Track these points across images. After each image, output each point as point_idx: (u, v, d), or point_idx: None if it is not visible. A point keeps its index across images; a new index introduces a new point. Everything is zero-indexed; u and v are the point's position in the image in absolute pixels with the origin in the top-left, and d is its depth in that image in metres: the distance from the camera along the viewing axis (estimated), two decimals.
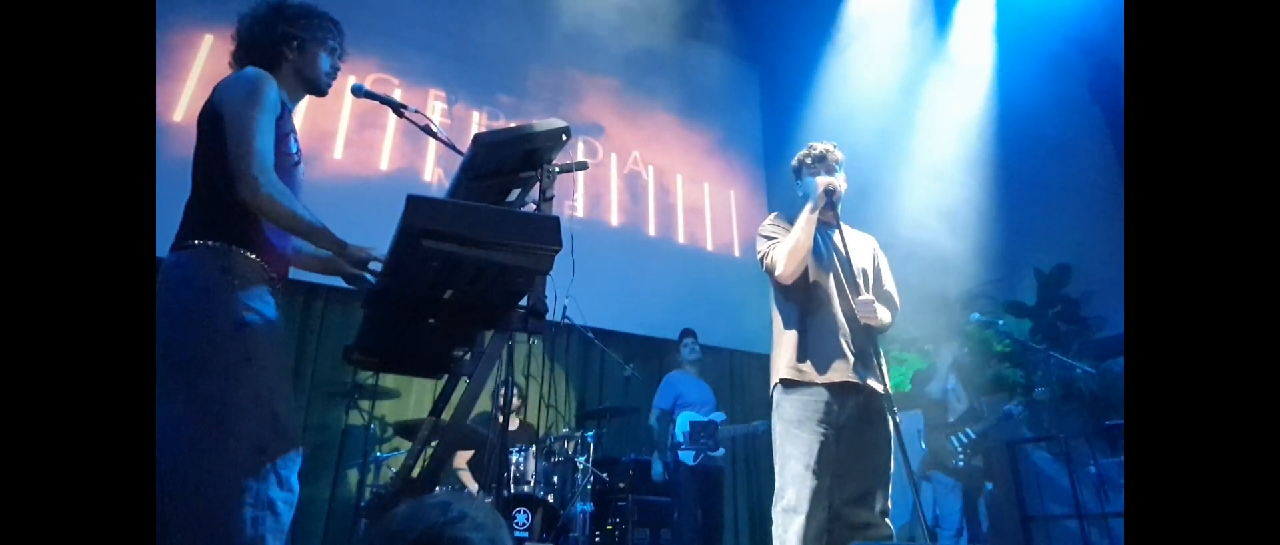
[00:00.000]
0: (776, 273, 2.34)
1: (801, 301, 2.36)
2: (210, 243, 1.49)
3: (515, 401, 4.03)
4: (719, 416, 4.57)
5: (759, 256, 2.44)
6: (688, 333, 4.88)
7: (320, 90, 1.77)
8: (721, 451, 4.51)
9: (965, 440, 4.06)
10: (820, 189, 2.36)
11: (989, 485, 4.13)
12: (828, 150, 2.49)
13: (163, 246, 1.55)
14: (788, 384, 2.27)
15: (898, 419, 2.27)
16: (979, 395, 4.32)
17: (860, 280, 2.39)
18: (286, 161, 1.58)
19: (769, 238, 2.44)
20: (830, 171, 2.45)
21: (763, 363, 5.41)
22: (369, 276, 1.67)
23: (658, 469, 4.37)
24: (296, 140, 1.68)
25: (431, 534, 0.82)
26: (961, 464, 4.03)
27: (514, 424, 4.27)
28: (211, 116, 1.55)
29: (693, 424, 4.55)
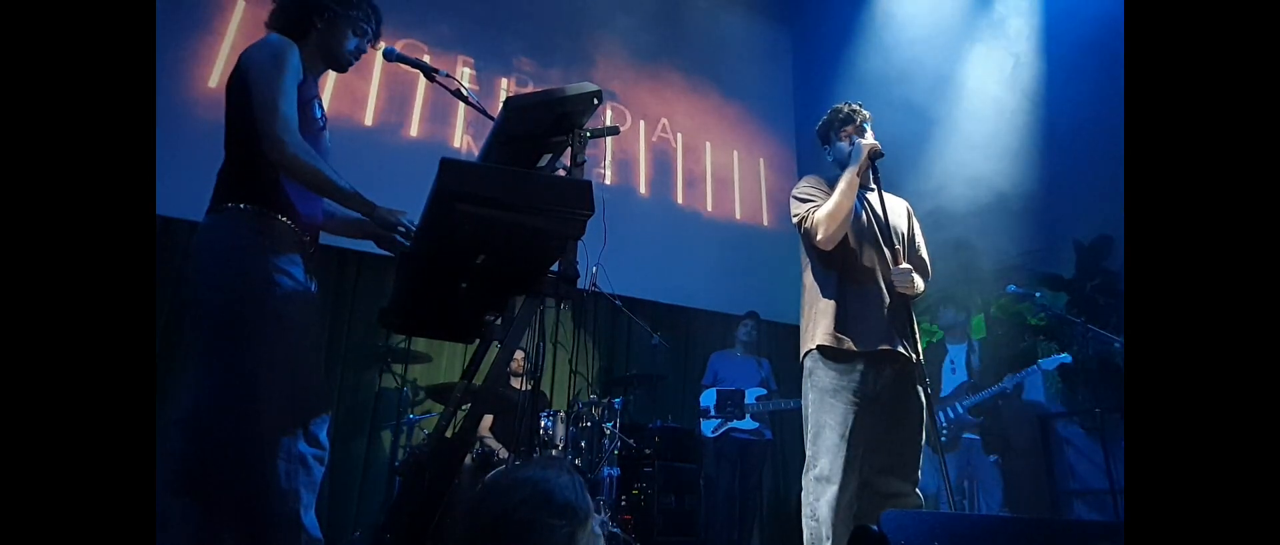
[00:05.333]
0: (817, 237, 2.25)
1: (839, 267, 2.28)
2: (242, 206, 1.52)
3: (527, 365, 4.09)
4: (756, 391, 4.59)
5: (795, 219, 2.35)
6: (750, 315, 4.95)
7: (340, 67, 1.78)
8: (750, 424, 4.53)
9: (952, 416, 4.00)
10: (865, 150, 2.27)
11: (993, 457, 4.06)
12: (855, 109, 2.41)
13: (200, 211, 1.59)
14: (825, 351, 2.21)
15: (929, 388, 2.23)
16: (996, 369, 4.22)
17: (897, 245, 2.33)
18: (311, 127, 1.59)
19: (806, 200, 2.34)
20: (860, 132, 2.37)
21: (788, 332, 5.39)
22: (401, 238, 1.69)
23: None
24: (320, 107, 1.70)
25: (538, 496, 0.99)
26: (944, 439, 3.96)
27: (527, 386, 4.33)
28: (238, 83, 1.57)
29: (719, 393, 4.58)
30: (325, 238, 1.83)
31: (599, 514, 1.03)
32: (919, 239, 2.47)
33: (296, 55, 1.59)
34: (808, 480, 2.15)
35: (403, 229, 1.64)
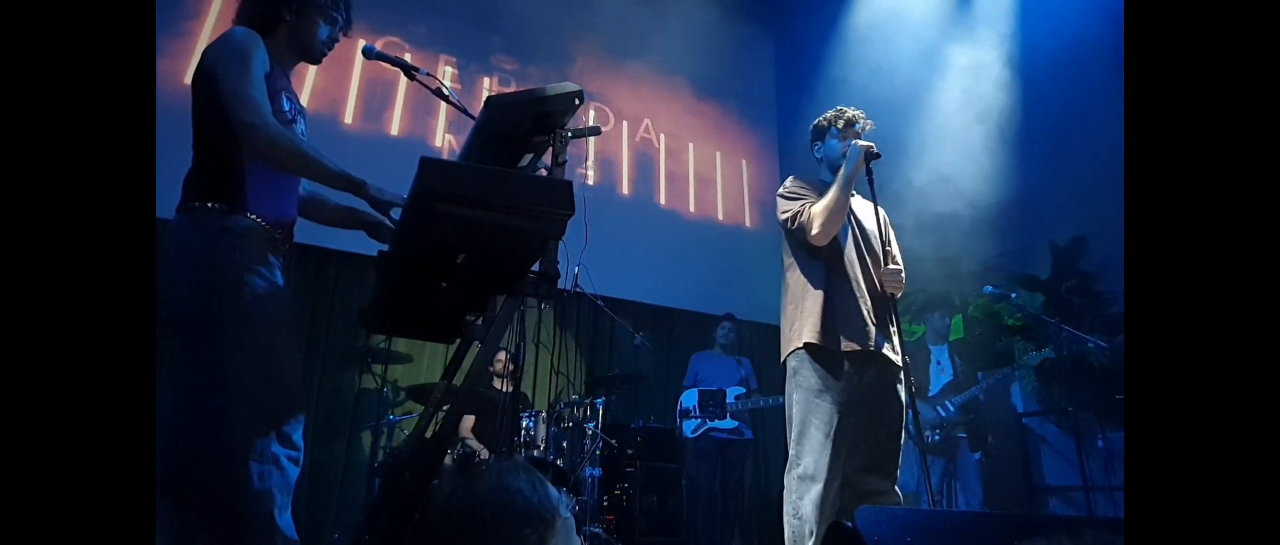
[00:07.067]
0: (812, 232, 2.27)
1: (825, 267, 2.31)
2: (210, 205, 1.50)
3: (510, 366, 4.08)
4: (736, 390, 4.61)
5: (784, 216, 2.36)
6: (727, 316, 5.00)
7: (314, 58, 1.76)
8: (729, 423, 4.56)
9: (943, 414, 4.05)
10: (862, 150, 2.29)
11: (976, 455, 4.13)
12: (857, 116, 2.46)
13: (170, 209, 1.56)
14: (812, 349, 2.23)
15: (913, 388, 2.27)
16: (974, 368, 4.28)
17: (878, 247, 2.37)
18: (279, 119, 1.57)
19: (795, 197, 2.37)
20: (858, 138, 2.41)
21: (769, 331, 5.43)
22: (391, 222, 1.67)
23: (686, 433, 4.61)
24: (289, 99, 1.67)
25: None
26: (938, 438, 4.03)
27: (510, 388, 4.32)
28: (204, 79, 1.55)
29: (701, 393, 4.60)
30: (305, 237, 1.81)
31: (566, 499, 1.00)
32: (894, 245, 2.51)
33: (261, 46, 1.57)
34: (790, 478, 2.17)
35: (399, 205, 1.62)
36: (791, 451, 2.20)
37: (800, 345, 2.24)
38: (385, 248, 1.76)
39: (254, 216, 1.53)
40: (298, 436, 1.48)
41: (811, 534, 2.07)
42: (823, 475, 2.09)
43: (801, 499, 2.11)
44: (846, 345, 2.20)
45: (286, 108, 1.64)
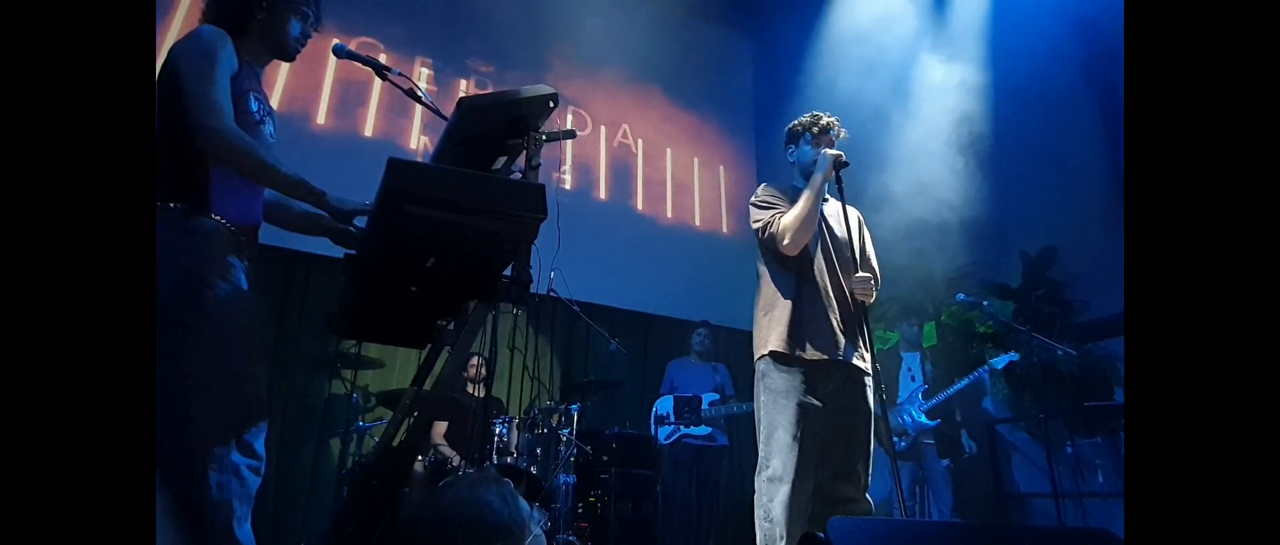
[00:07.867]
0: (783, 244, 2.28)
1: (795, 275, 2.33)
2: (172, 205, 1.46)
3: (483, 371, 4.04)
4: (711, 396, 4.61)
5: (756, 225, 2.38)
6: (703, 323, 5.01)
7: (287, 55, 1.72)
8: (703, 430, 4.55)
9: (909, 422, 4.09)
10: (831, 159, 2.32)
11: (945, 461, 4.17)
12: (833, 124, 2.46)
13: None
14: (778, 356, 2.24)
15: (883, 395, 2.28)
16: (947, 375, 4.33)
17: (849, 254, 2.38)
18: (246, 120, 1.54)
19: (767, 206, 2.38)
20: (829, 144, 2.42)
21: (747, 338, 5.45)
22: (354, 229, 1.64)
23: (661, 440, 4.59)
24: (257, 99, 1.64)
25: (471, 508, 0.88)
26: (904, 445, 4.07)
27: (482, 393, 4.27)
28: (169, 78, 1.51)
29: (676, 399, 4.59)
30: (273, 238, 1.76)
31: (539, 515, 1.00)
32: (870, 249, 2.52)
33: (229, 46, 1.54)
34: (760, 481, 2.18)
35: (362, 213, 1.58)
36: (761, 454, 2.22)
37: (767, 351, 2.27)
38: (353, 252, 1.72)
39: (218, 218, 1.49)
40: (259, 445, 1.44)
41: (783, 537, 2.07)
42: (790, 476, 2.10)
43: (771, 501, 2.12)
44: (813, 354, 2.22)
45: (254, 108, 1.60)
